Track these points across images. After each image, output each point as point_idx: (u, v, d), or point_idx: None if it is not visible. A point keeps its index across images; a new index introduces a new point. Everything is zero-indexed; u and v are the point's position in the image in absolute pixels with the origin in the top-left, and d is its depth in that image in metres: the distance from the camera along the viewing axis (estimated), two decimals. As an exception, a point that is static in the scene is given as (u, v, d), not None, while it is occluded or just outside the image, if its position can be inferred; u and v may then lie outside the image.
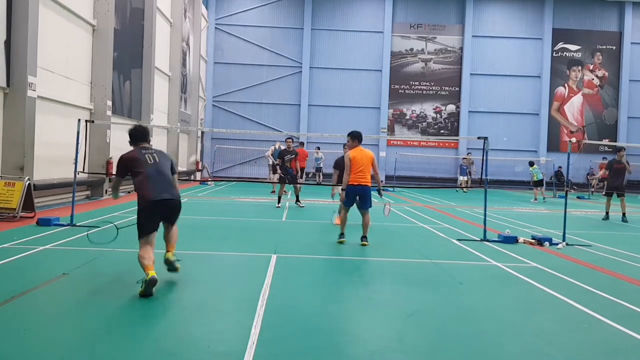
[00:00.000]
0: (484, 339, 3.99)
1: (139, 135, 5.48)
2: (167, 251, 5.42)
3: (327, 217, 11.91)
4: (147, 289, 4.70)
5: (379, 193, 8.50)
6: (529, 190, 28.59)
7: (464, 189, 23.28)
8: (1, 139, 10.35)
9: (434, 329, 4.17)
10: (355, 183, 7.75)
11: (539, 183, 20.24)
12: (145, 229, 5.07)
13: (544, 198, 20.44)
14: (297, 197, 13.72)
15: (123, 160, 5.31)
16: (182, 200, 5.45)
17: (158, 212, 5.16)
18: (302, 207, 13.31)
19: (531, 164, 20.72)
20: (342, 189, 7.95)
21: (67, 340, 3.67)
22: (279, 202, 13.52)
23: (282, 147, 17.82)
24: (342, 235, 8.02)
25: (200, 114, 28.02)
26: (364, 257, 7.09)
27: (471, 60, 29.60)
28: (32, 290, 4.80)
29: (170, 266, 5.38)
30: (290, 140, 13.77)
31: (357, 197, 7.88)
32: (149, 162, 5.20)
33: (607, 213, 13.40)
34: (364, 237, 7.86)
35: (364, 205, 7.92)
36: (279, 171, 14.27)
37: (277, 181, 18.15)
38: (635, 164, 29.11)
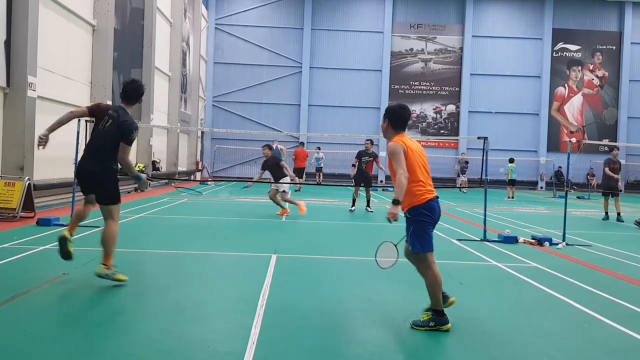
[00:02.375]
0: (484, 339, 3.99)
1: (127, 94, 5.22)
2: (101, 262, 4.94)
3: (328, 217, 11.91)
4: (59, 246, 4.86)
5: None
6: (530, 190, 28.66)
7: (463, 190, 23.30)
8: (1, 139, 10.35)
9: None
10: (434, 195, 4.27)
11: (512, 182, 20.13)
12: (81, 189, 5.15)
13: (512, 197, 20.40)
14: (368, 201, 13.19)
15: (96, 105, 5.29)
16: (113, 178, 5.08)
17: (81, 181, 5.07)
18: (371, 212, 12.73)
19: (511, 160, 20.77)
20: (396, 202, 4.05)
21: (67, 340, 3.67)
22: (353, 204, 13.03)
23: (280, 147, 17.85)
24: (443, 315, 4.16)
25: (200, 114, 28.02)
26: (364, 257, 7.09)
27: (471, 60, 29.60)
28: (32, 290, 4.79)
29: (107, 278, 4.90)
30: (370, 142, 13.33)
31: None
32: (100, 125, 4.99)
33: (606, 213, 13.40)
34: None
35: None
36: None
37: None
38: (635, 164, 29.26)
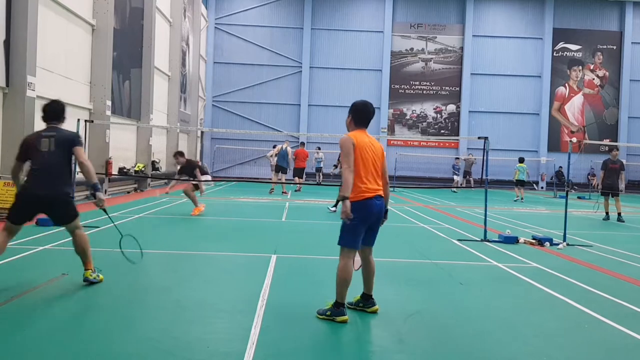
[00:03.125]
0: (484, 339, 3.98)
1: (48, 113, 5.06)
2: (85, 269, 5.03)
3: (328, 217, 11.91)
4: None
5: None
6: (530, 190, 28.63)
7: (454, 189, 23.21)
8: (0, 139, 10.34)
9: (434, 329, 4.16)
10: (372, 194, 4.22)
11: (519, 183, 19.30)
12: (12, 215, 4.88)
13: (518, 198, 19.69)
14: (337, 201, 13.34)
15: (23, 142, 5.04)
16: (70, 197, 5.04)
17: (29, 205, 4.86)
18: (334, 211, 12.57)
19: (521, 160, 20.01)
20: (343, 198, 4.11)
21: (67, 340, 3.66)
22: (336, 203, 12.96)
23: (289, 148, 17.86)
24: (340, 307, 4.22)
25: (200, 114, 28.02)
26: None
27: (471, 60, 29.59)
28: (32, 290, 4.79)
29: (90, 283, 5.02)
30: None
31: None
32: (42, 148, 4.84)
33: (606, 213, 13.40)
34: (369, 298, 4.53)
35: (373, 238, 4.45)
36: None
37: (278, 181, 18.21)
38: (635, 163, 29.24)
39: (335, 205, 12.73)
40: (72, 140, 4.95)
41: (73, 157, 5.01)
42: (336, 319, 4.14)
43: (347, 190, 4.07)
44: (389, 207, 4.54)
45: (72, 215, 4.99)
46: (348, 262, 4.21)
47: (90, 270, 5.04)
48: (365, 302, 4.49)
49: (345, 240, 4.21)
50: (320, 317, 4.21)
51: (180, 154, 11.59)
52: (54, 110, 5.09)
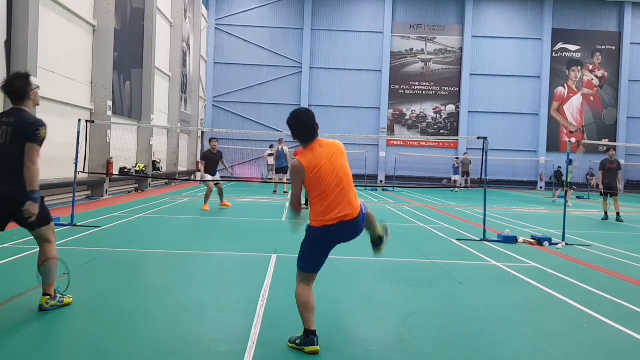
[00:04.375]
0: (484, 339, 3.99)
1: (9, 93, 4.08)
2: (43, 294, 4.15)
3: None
4: None
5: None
6: (529, 190, 28.64)
7: (456, 189, 23.34)
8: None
9: (434, 329, 4.18)
10: (336, 221, 3.59)
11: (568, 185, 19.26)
12: None
13: (553, 199, 19.59)
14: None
15: None
16: (28, 197, 3.98)
17: None
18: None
19: (571, 162, 19.73)
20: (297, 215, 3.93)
21: (67, 340, 3.67)
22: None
23: (285, 148, 17.87)
24: (311, 335, 3.61)
25: (201, 114, 28.03)
26: (364, 257, 7.09)
27: (471, 61, 29.61)
28: (32, 290, 4.80)
29: (49, 310, 4.13)
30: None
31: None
32: None
33: (605, 213, 13.41)
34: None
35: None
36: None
37: (279, 181, 18.22)
38: (635, 163, 29.27)
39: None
40: (27, 132, 3.92)
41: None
42: (304, 349, 3.52)
43: (292, 218, 3.76)
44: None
45: (43, 219, 4.11)
46: (302, 288, 3.70)
47: (49, 297, 4.14)
48: (310, 340, 3.56)
49: (301, 264, 3.71)
50: (290, 344, 3.61)
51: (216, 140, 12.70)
52: (13, 89, 4.06)
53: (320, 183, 3.56)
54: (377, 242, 4.00)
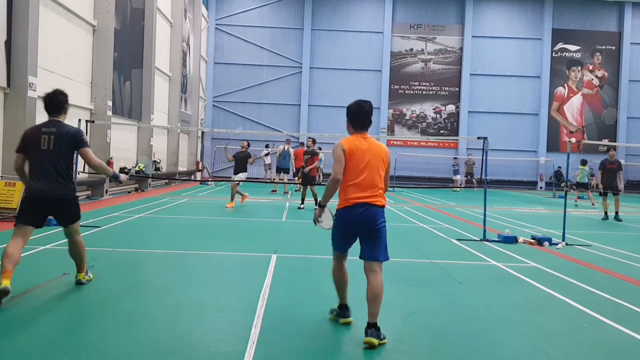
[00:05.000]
0: (484, 339, 3.99)
1: (49, 105, 4.79)
2: (78, 272, 5.03)
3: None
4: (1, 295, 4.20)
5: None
6: (529, 190, 28.63)
7: (457, 189, 23.39)
8: (2, 139, 10.36)
9: (434, 329, 4.18)
10: (356, 202, 3.90)
11: (581, 185, 18.67)
12: (21, 217, 4.67)
13: (575, 203, 19.33)
14: (303, 199, 13.28)
15: (23, 135, 4.80)
16: (75, 197, 4.89)
17: (37, 208, 4.66)
18: (301, 209, 12.86)
19: (583, 162, 19.58)
20: (320, 205, 4.09)
21: (67, 340, 3.68)
22: (302, 202, 13.17)
23: (290, 149, 17.88)
24: (344, 309, 4.21)
25: (201, 114, 28.04)
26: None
27: (471, 61, 29.61)
28: (32, 290, 4.80)
29: (80, 284, 5.02)
30: (311, 139, 13.52)
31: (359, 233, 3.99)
32: (42, 146, 4.59)
33: (605, 213, 13.41)
34: (372, 326, 3.76)
35: (368, 250, 3.98)
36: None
37: (280, 181, 18.23)
38: (635, 163, 29.26)
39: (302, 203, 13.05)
40: (75, 141, 4.70)
41: (75, 154, 4.84)
42: (340, 320, 4.19)
43: (324, 198, 3.97)
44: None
45: (76, 216, 4.89)
46: (335, 264, 4.15)
47: (83, 274, 5.05)
48: (365, 332, 3.73)
49: (333, 243, 4.13)
50: (330, 316, 4.27)
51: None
52: (55, 102, 4.79)
53: (353, 170, 3.88)
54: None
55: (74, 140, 4.69)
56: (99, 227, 8.61)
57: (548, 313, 4.73)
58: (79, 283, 5.01)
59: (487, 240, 8.62)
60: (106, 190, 14.38)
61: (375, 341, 3.66)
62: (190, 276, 5.67)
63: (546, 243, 8.46)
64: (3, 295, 4.21)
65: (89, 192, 13.96)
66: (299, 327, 4.06)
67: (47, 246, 6.87)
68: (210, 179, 23.20)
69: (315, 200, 13.00)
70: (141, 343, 3.63)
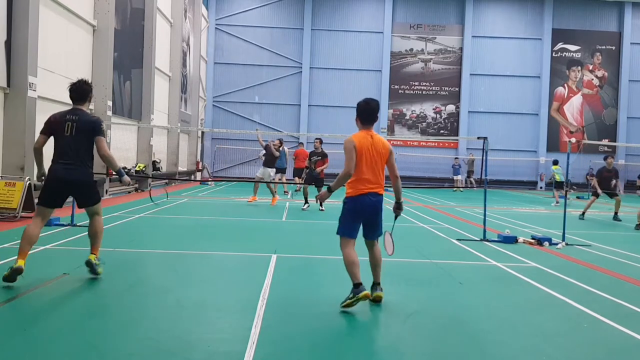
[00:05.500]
0: (484, 339, 3.99)
1: (73, 94, 5.16)
2: (91, 253, 5.22)
3: (328, 217, 11.92)
4: (10, 276, 4.67)
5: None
6: (529, 190, 28.64)
7: (461, 189, 23.41)
8: (2, 139, 10.36)
9: (434, 329, 4.18)
10: (367, 191, 4.55)
11: (559, 185, 18.64)
12: (41, 199, 5.06)
13: (558, 204, 19.46)
14: (306, 198, 13.02)
15: (48, 119, 5.16)
16: (93, 181, 5.25)
17: (58, 190, 5.02)
18: (305, 210, 12.72)
19: (555, 162, 19.27)
20: (328, 188, 4.63)
21: (67, 340, 3.67)
22: (319, 204, 13.02)
23: (286, 148, 17.86)
24: (360, 286, 4.50)
25: (201, 114, 28.04)
26: (364, 257, 7.09)
27: (471, 61, 29.61)
28: (32, 290, 4.80)
29: (91, 269, 5.17)
30: (319, 141, 13.12)
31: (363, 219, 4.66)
32: (65, 132, 4.98)
33: (583, 213, 13.35)
34: (378, 284, 4.76)
35: (372, 232, 4.74)
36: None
37: (279, 181, 18.20)
38: (635, 163, 29.27)
39: (306, 202, 12.96)
40: (93, 129, 5.02)
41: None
42: (358, 296, 4.37)
43: (335, 187, 4.54)
44: (402, 200, 4.88)
45: (95, 199, 5.19)
46: (346, 250, 4.59)
47: (95, 256, 5.18)
48: (372, 290, 4.63)
49: (341, 230, 4.64)
50: (343, 306, 4.40)
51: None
52: (78, 91, 5.12)
53: (361, 162, 4.53)
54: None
55: (92, 128, 5.01)
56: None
57: (548, 313, 4.72)
58: (88, 264, 5.13)
59: (487, 240, 8.62)
60: (106, 190, 14.37)
61: (383, 294, 4.65)
62: (190, 276, 5.67)
63: (546, 243, 8.46)
64: (17, 273, 4.65)
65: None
66: (298, 327, 4.06)
67: (47, 246, 6.87)
68: (210, 179, 23.19)
69: (306, 198, 13.05)
70: (141, 343, 3.63)
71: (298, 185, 19.10)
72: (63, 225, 8.60)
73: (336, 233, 4.68)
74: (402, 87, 29.89)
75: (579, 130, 30.25)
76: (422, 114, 29.99)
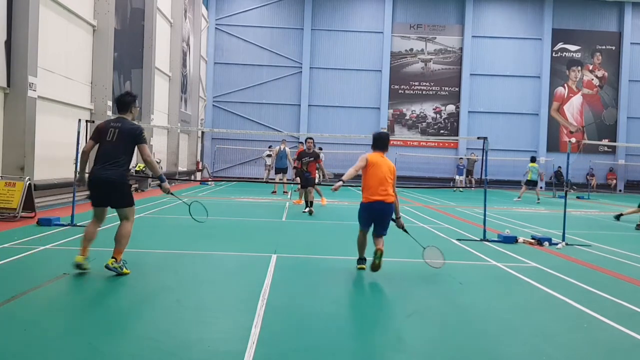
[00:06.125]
0: (484, 338, 3.99)
1: (119, 105, 5.64)
2: (111, 257, 5.39)
3: (327, 217, 11.92)
4: (77, 267, 5.28)
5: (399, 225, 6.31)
6: (529, 190, 28.58)
7: (461, 189, 23.40)
8: (2, 139, 10.36)
9: (434, 329, 4.18)
10: (375, 199, 5.91)
11: (530, 183, 18.95)
12: (91, 200, 5.57)
13: (538, 198, 19.70)
14: (307, 202, 12.34)
15: (96, 126, 5.60)
16: (126, 183, 5.52)
17: (95, 191, 5.44)
18: (307, 212, 12.05)
19: (532, 159, 19.37)
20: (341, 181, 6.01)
21: (67, 340, 3.68)
22: (307, 205, 12.20)
23: (287, 148, 17.86)
24: (363, 260, 6.14)
25: (201, 114, 28.04)
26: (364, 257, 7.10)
27: (471, 61, 29.60)
28: (32, 290, 4.80)
29: (114, 272, 5.34)
30: (311, 140, 12.56)
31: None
32: (107, 138, 5.40)
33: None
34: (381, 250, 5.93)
35: (380, 230, 6.04)
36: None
37: (280, 181, 18.22)
38: (635, 163, 29.26)
39: (309, 206, 12.31)
40: (135, 137, 5.42)
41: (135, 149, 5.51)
42: (357, 266, 6.10)
43: (346, 177, 5.92)
44: (400, 216, 6.21)
45: (127, 202, 5.51)
46: (360, 235, 6.12)
47: (115, 260, 5.36)
48: (374, 255, 5.83)
49: (360, 223, 6.11)
50: (358, 266, 6.09)
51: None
52: (122, 102, 5.61)
53: (372, 176, 5.92)
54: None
55: (134, 136, 5.43)
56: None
57: (548, 313, 4.73)
58: (106, 267, 5.31)
59: (487, 240, 8.62)
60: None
61: (379, 260, 5.76)
62: (190, 276, 5.67)
63: (546, 243, 8.47)
64: (78, 267, 5.26)
65: (88, 192, 13.94)
66: (298, 327, 4.06)
67: (47, 246, 6.87)
68: (210, 179, 23.19)
69: (307, 202, 12.37)
70: (141, 343, 3.63)
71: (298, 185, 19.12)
72: (63, 225, 8.60)
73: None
74: (402, 87, 29.89)
75: (579, 130, 30.24)
76: (422, 114, 29.99)
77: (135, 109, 5.73)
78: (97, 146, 5.50)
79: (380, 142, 6.15)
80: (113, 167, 5.34)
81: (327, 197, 14.61)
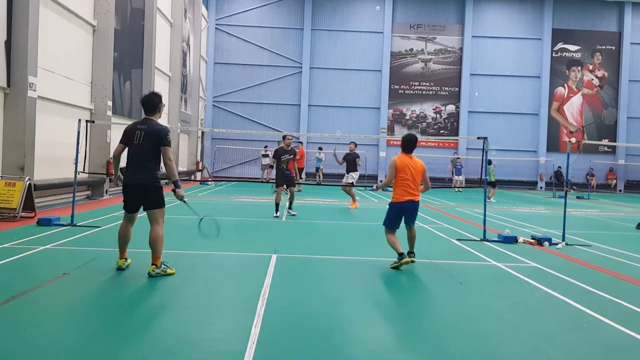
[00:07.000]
0: (484, 338, 4.00)
1: (144, 106, 5.58)
2: (151, 263, 5.44)
3: (327, 217, 11.92)
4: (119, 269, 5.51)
5: None
6: (530, 190, 28.64)
7: (460, 189, 23.38)
8: (2, 139, 10.36)
9: (434, 329, 4.18)
10: (405, 200, 6.42)
11: (490, 184, 19.15)
12: (123, 204, 5.62)
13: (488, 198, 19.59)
14: (290, 203, 11.80)
15: (125, 129, 5.57)
16: (157, 186, 5.49)
17: (128, 196, 5.49)
18: (294, 215, 11.53)
19: (489, 162, 19.76)
20: (377, 187, 7.09)
21: (67, 340, 3.68)
22: (276, 210, 11.45)
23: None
24: (402, 255, 6.29)
25: (201, 114, 28.04)
26: (364, 257, 7.10)
27: (471, 61, 29.60)
28: (32, 290, 4.80)
29: (157, 277, 5.38)
30: (290, 138, 12.02)
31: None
32: (135, 141, 5.38)
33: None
34: (412, 252, 6.54)
35: (411, 221, 6.70)
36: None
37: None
38: (635, 163, 29.26)
39: (290, 207, 11.85)
40: (160, 138, 5.35)
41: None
42: (402, 261, 6.18)
43: (382, 186, 6.94)
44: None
45: (158, 203, 5.49)
46: (388, 236, 6.45)
47: (156, 266, 5.38)
48: (408, 256, 6.34)
49: (386, 224, 6.49)
50: (392, 267, 6.21)
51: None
52: (148, 103, 5.51)
53: (402, 178, 6.40)
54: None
55: (159, 138, 5.35)
56: (99, 227, 8.61)
57: (548, 313, 4.73)
58: (149, 275, 5.34)
59: (487, 240, 8.62)
60: (106, 191, 14.38)
61: (414, 259, 6.40)
62: (191, 276, 5.67)
63: (546, 243, 8.47)
64: (121, 270, 5.47)
65: (88, 192, 13.96)
66: (298, 327, 4.06)
67: (47, 246, 6.87)
68: (210, 179, 23.19)
69: (290, 203, 11.79)
70: (141, 343, 3.63)
71: (298, 185, 19.09)
72: (63, 225, 8.60)
73: (382, 224, 6.55)
74: (402, 87, 29.89)
75: (579, 130, 30.24)
76: (422, 114, 29.99)
77: (161, 109, 5.67)
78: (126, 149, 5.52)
79: (410, 144, 6.62)
80: (143, 172, 5.36)
81: (326, 197, 14.58)
